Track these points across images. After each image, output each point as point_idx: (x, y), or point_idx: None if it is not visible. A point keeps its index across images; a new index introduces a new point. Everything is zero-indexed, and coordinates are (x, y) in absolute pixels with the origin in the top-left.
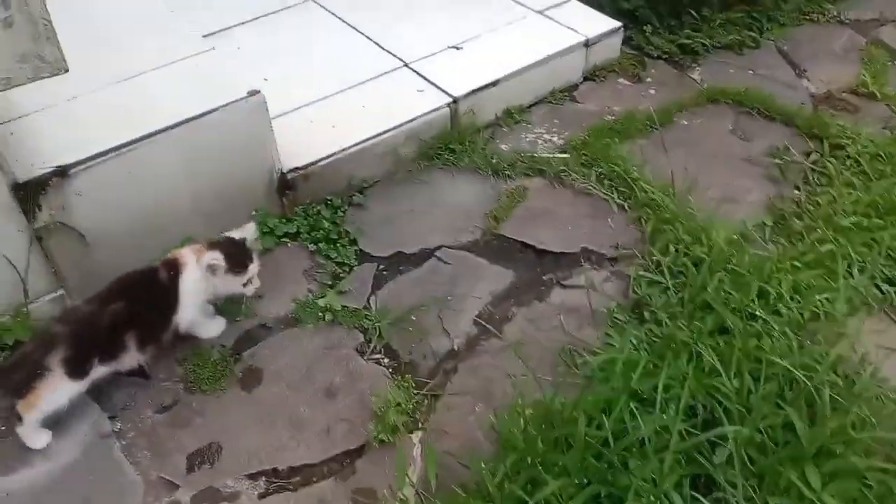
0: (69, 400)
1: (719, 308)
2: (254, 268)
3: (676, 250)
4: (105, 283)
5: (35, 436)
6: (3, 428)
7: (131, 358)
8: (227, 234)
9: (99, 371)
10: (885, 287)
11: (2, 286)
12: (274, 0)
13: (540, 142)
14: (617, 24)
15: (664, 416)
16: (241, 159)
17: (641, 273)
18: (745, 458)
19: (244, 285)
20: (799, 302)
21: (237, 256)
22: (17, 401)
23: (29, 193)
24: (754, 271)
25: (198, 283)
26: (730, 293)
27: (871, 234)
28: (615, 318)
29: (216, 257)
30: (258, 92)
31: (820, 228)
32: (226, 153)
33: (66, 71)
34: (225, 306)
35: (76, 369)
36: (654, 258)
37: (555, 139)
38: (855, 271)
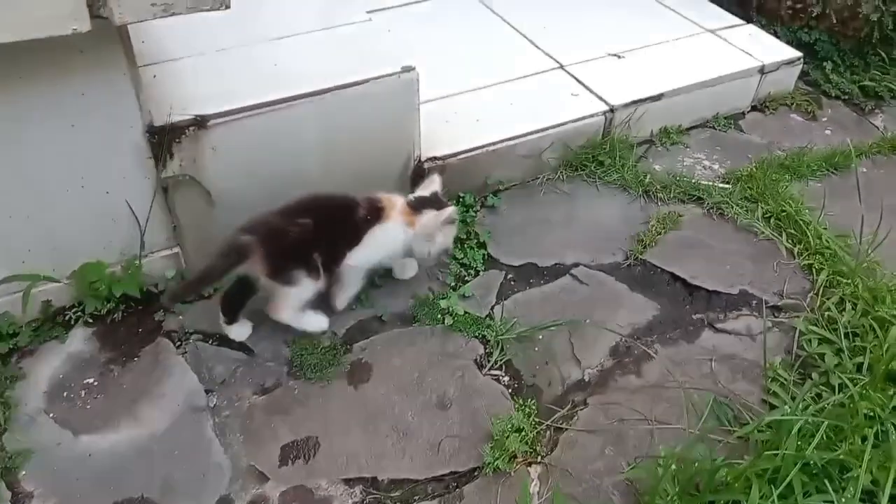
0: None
1: None
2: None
3: (854, 308)
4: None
5: (307, 320)
6: (97, 383)
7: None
8: (419, 193)
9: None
10: None
11: (118, 233)
12: None
13: (699, 167)
14: (797, 53)
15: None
16: (381, 138)
17: (811, 328)
18: None
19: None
20: None
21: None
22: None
23: (163, 139)
24: None
25: (394, 237)
26: None
27: None
28: (778, 374)
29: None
30: (413, 69)
31: None
32: (367, 129)
33: (228, 7)
34: None
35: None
36: (827, 313)
37: (715, 167)
38: None
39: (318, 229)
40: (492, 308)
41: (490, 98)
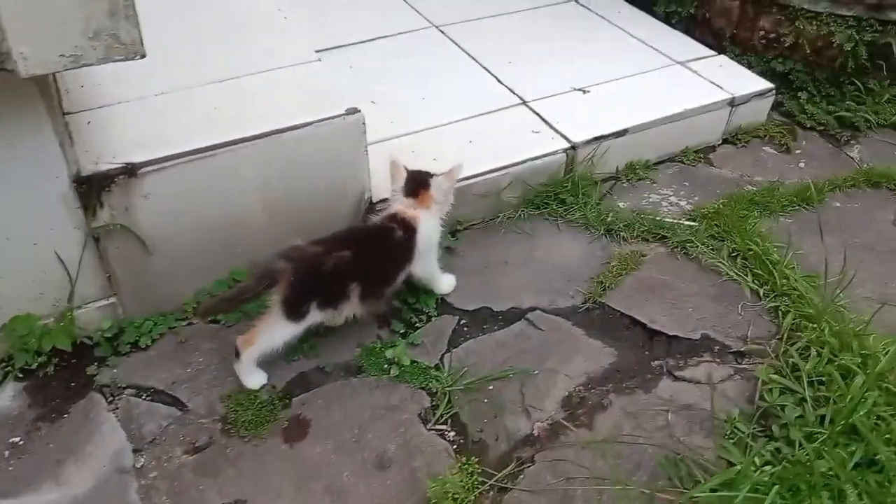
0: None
1: (871, 438)
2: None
3: (819, 354)
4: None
5: (251, 375)
6: (23, 442)
7: (351, 308)
8: (398, 184)
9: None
10: None
11: (50, 285)
12: (399, 23)
13: (665, 204)
14: (768, 85)
15: None
16: (328, 181)
17: (773, 377)
18: None
19: None
20: None
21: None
22: (237, 337)
23: (92, 188)
24: None
25: (435, 227)
26: (883, 419)
27: None
28: (736, 428)
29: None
30: (357, 111)
31: None
32: (312, 172)
33: (143, 56)
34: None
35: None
36: (791, 361)
37: (682, 203)
38: None
39: (360, 260)
40: (441, 356)
41: (450, 135)
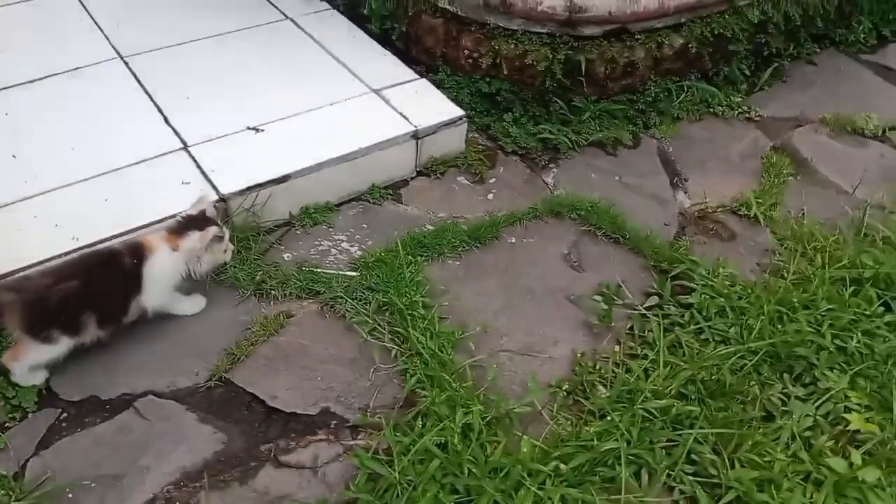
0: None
1: None
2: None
3: (424, 427)
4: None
5: (25, 378)
6: None
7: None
8: (185, 212)
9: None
10: None
11: None
12: (80, 56)
13: (334, 252)
14: (458, 112)
15: None
16: None
17: (366, 461)
18: None
19: (224, 251)
20: None
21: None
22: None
23: None
24: (502, 478)
25: (168, 268)
26: None
27: (678, 429)
28: None
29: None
30: None
31: (613, 412)
32: None
33: None
34: None
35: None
36: (395, 437)
37: (353, 250)
38: (645, 479)
39: (88, 289)
40: (26, 462)
41: (83, 193)
